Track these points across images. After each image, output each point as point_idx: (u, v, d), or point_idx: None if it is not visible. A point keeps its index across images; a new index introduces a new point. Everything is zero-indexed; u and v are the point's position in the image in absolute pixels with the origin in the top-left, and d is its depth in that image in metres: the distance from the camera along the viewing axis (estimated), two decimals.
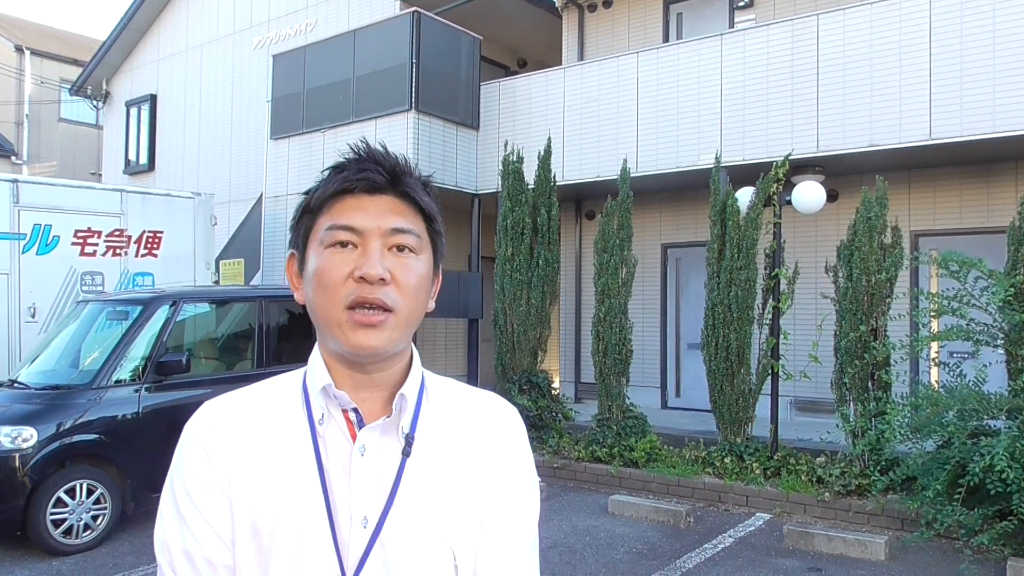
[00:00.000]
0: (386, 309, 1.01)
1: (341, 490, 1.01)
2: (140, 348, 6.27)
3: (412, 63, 10.42)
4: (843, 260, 6.78)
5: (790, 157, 7.62)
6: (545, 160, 8.87)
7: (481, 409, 1.13)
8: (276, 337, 7.43)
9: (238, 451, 1.05)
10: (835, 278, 6.87)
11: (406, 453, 1.04)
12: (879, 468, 6.22)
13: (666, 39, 10.98)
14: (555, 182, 8.95)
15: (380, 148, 1.09)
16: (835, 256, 6.93)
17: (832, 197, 8.46)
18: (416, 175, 1.09)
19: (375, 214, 1.03)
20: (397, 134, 10.54)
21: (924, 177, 8.96)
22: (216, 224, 11.13)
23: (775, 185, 7.37)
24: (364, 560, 1.00)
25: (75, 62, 19.73)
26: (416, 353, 1.12)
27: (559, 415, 8.67)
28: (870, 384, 6.58)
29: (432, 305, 1.11)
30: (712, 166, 7.92)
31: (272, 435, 1.05)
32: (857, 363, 6.53)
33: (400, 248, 1.04)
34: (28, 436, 5.52)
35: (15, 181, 9.22)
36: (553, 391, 8.89)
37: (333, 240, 1.03)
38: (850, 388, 6.63)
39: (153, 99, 15.87)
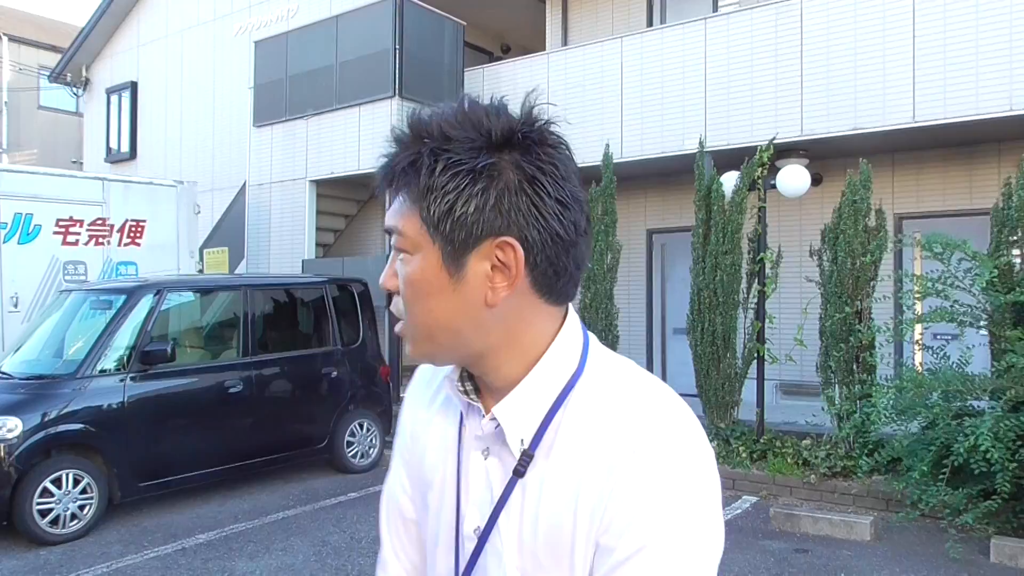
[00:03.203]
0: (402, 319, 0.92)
1: (466, 488, 0.96)
2: (125, 337, 6.23)
3: (395, 49, 10.35)
4: (828, 243, 6.81)
5: (775, 141, 7.63)
6: None
7: (625, 426, 0.86)
8: (261, 325, 7.39)
9: (419, 414, 1.06)
10: (820, 261, 6.90)
11: (518, 473, 0.89)
12: (865, 450, 6.27)
13: (650, 23, 10.95)
14: None
15: (402, 131, 0.89)
16: (820, 239, 6.96)
17: (816, 181, 8.48)
18: (418, 144, 0.86)
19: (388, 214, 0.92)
20: (381, 120, 10.47)
21: (908, 160, 9.01)
22: (200, 212, 11.05)
23: (760, 169, 7.39)
24: (469, 570, 0.95)
25: (54, 48, 19.46)
26: (553, 355, 0.91)
27: None
28: (855, 367, 6.63)
29: (496, 298, 0.86)
30: (697, 151, 7.93)
31: (442, 410, 1.03)
32: (842, 346, 6.57)
33: (399, 251, 0.90)
34: (13, 426, 5.48)
35: None
36: None
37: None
38: (835, 371, 6.67)
39: (134, 86, 15.69)
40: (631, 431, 0.85)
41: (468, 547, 0.94)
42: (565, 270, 0.89)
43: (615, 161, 8.50)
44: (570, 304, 0.95)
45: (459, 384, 0.95)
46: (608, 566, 0.83)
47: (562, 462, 0.87)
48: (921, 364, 6.42)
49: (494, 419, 0.91)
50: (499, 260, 0.85)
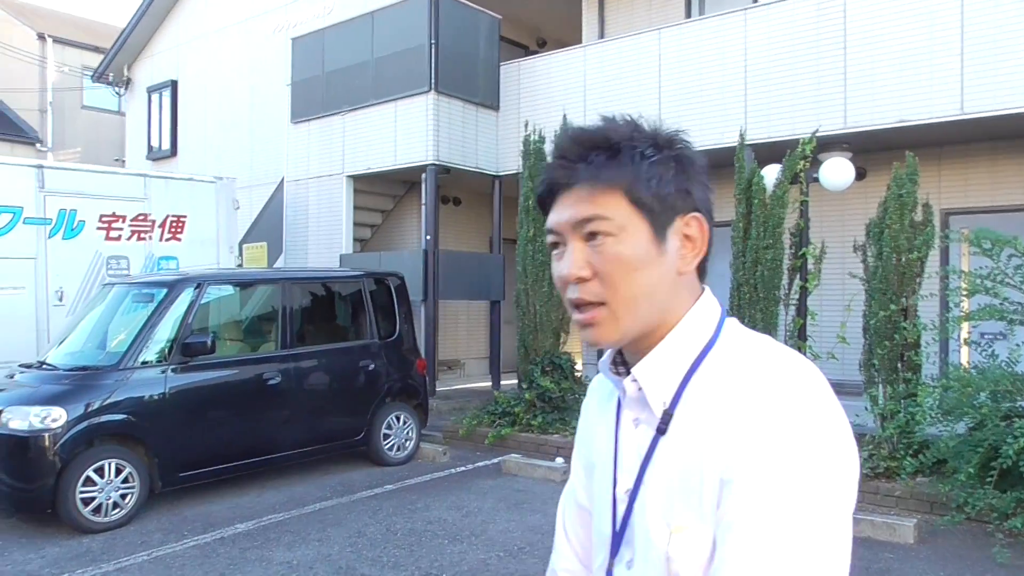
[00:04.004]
0: (597, 304, 1.00)
1: (621, 458, 1.08)
2: (166, 330, 6.31)
3: (431, 44, 10.35)
4: (872, 238, 6.66)
5: (817, 134, 7.48)
6: None
7: (751, 385, 0.94)
8: (299, 318, 7.44)
9: (590, 415, 1.21)
10: (864, 257, 6.75)
11: (660, 431, 1.01)
12: (909, 451, 6.13)
13: (688, 15, 10.81)
14: None
15: (578, 130, 1.04)
16: (863, 235, 6.81)
17: (860, 175, 8.31)
18: (611, 144, 1.01)
19: (565, 208, 1.02)
20: (417, 116, 10.49)
21: (955, 154, 8.78)
22: (238, 208, 11.17)
23: (802, 162, 7.25)
24: (623, 530, 1.06)
25: (96, 49, 19.83)
26: (689, 323, 1.02)
27: (582, 397, 8.61)
28: (900, 365, 6.47)
29: (688, 267, 1.02)
30: (736, 144, 7.81)
31: (606, 403, 1.16)
32: (887, 344, 6.42)
33: (593, 236, 1.00)
34: (57, 416, 5.59)
35: (40, 167, 9.29)
36: (576, 373, 8.85)
37: (550, 244, 1.06)
38: (879, 369, 6.52)
39: (174, 85, 15.91)
40: (758, 381, 0.94)
41: (621, 509, 1.06)
42: (711, 245, 1.05)
43: None
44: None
45: (611, 367, 1.10)
46: (727, 501, 0.91)
47: (696, 414, 0.97)
48: (968, 363, 6.25)
49: (635, 380, 1.03)
50: (687, 234, 1.02)
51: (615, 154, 1.00)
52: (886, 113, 7.93)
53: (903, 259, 6.45)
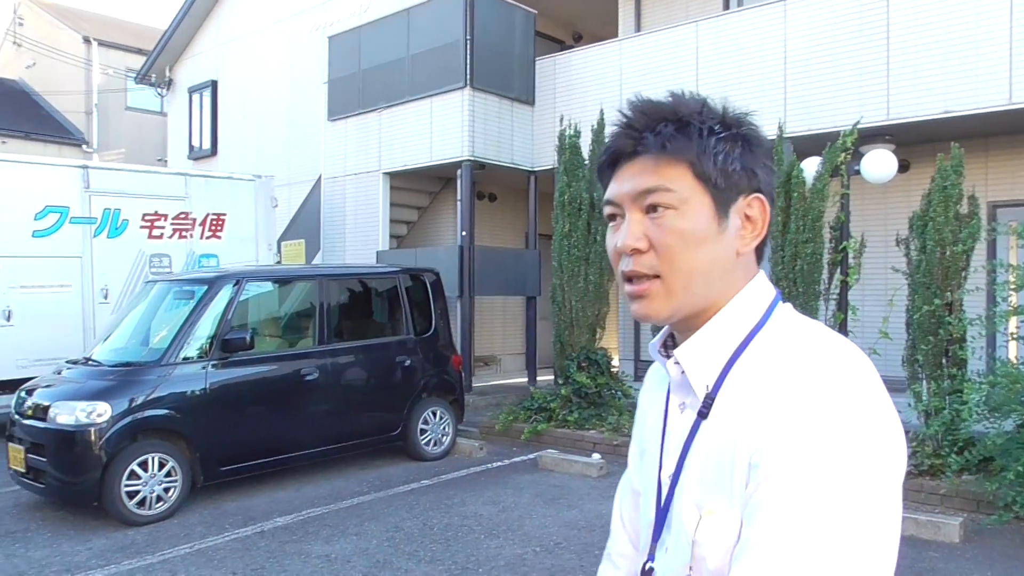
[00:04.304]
0: (651, 276, 0.99)
1: (667, 443, 1.08)
2: (206, 326, 6.41)
3: (466, 40, 10.37)
4: (916, 231, 6.51)
5: (859, 126, 7.33)
6: (599, 133, 8.72)
7: (791, 368, 0.91)
8: (337, 314, 7.51)
9: (644, 402, 1.22)
10: (907, 250, 6.61)
11: (701, 415, 0.99)
12: (954, 448, 5.99)
13: (726, 7, 10.67)
14: None
15: (646, 101, 1.02)
16: (906, 228, 6.67)
17: (903, 167, 8.13)
18: (679, 117, 0.99)
19: (627, 179, 1.01)
20: (452, 111, 10.51)
21: (1002, 145, 8.55)
22: (277, 206, 11.31)
23: (843, 155, 7.11)
24: (664, 515, 1.05)
25: (139, 51, 20.20)
26: (737, 305, 1.00)
27: (618, 392, 8.58)
28: (944, 361, 6.33)
29: (746, 247, 1.00)
30: (776, 136, 7.68)
31: (658, 390, 1.16)
32: (931, 339, 6.28)
33: (654, 208, 0.98)
34: (102, 411, 5.71)
35: (85, 167, 9.51)
36: (612, 369, 8.81)
37: (607, 216, 1.05)
38: (923, 365, 6.38)
39: (214, 85, 16.16)
40: (798, 364, 0.91)
41: (664, 494, 1.05)
42: (770, 230, 1.03)
43: None
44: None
45: (661, 350, 1.09)
46: (755, 481, 0.88)
47: (736, 398, 0.95)
48: (1016, 358, 6.09)
49: (678, 362, 1.01)
50: (748, 214, 1.00)
51: (683, 127, 0.99)
52: (931, 104, 7.75)
53: (948, 252, 6.30)
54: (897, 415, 0.90)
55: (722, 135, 0.99)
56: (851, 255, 7.10)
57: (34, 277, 8.77)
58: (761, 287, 1.02)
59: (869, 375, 0.90)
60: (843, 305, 7.15)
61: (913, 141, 8.52)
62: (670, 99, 1.02)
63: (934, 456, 6.17)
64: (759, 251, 1.03)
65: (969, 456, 5.63)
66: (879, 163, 6.96)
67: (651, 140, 0.99)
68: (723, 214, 0.98)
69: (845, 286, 7.15)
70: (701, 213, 0.97)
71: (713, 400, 0.97)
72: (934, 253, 6.33)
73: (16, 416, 6.12)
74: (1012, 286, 5.92)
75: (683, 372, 1.01)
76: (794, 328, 0.98)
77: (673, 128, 0.98)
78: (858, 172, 7.11)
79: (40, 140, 19.75)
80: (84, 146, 20.48)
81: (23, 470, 5.90)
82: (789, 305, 1.03)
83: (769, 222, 1.01)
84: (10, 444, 6.07)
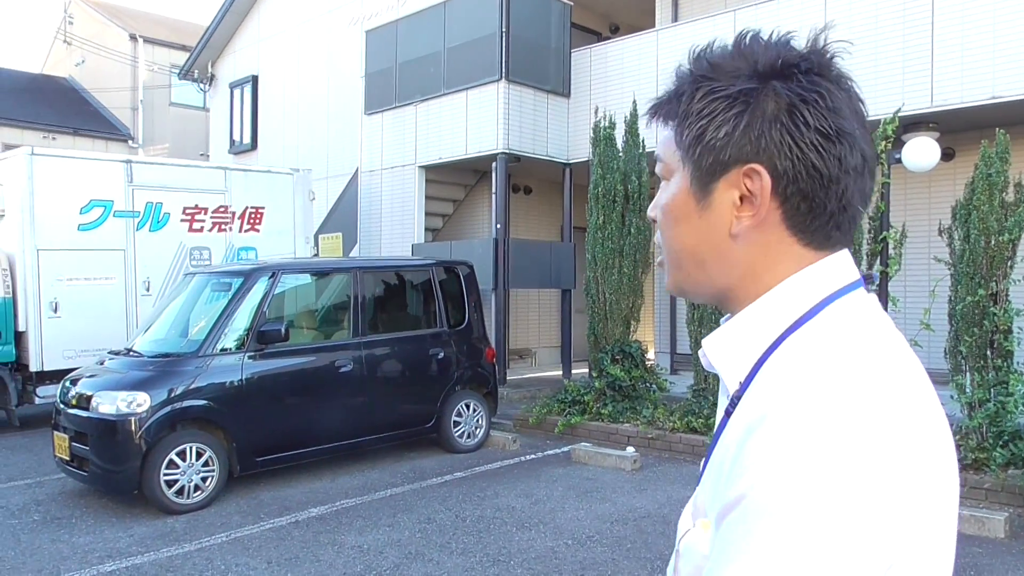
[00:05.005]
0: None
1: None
2: (243, 318, 6.50)
3: (502, 32, 10.34)
4: (959, 220, 6.34)
5: (900, 113, 7.15)
6: (632, 125, 8.64)
7: (793, 378, 0.77)
8: (371, 307, 7.57)
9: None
10: (950, 240, 6.43)
11: (727, 413, 0.86)
12: (999, 441, 5.83)
13: None
14: (644, 147, 8.72)
15: (681, 67, 0.89)
16: (950, 217, 6.49)
17: (948, 155, 7.93)
18: (687, 78, 0.87)
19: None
20: (488, 104, 10.51)
21: None
22: (314, 199, 11.42)
23: (884, 143, 6.94)
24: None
25: (183, 48, 20.57)
26: (776, 295, 0.84)
27: (653, 386, 8.52)
28: (989, 352, 6.16)
29: (738, 228, 0.84)
30: None
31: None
32: (975, 330, 6.12)
33: (661, 179, 0.92)
34: (142, 401, 5.83)
35: (129, 162, 9.71)
36: (647, 362, 8.74)
37: None
38: (966, 357, 6.22)
39: (255, 80, 16.37)
40: (803, 374, 0.76)
41: None
42: (823, 208, 0.82)
43: None
44: (842, 252, 0.86)
45: None
46: (715, 510, 0.76)
47: (746, 403, 0.81)
48: None
49: (704, 354, 0.90)
50: (747, 189, 0.82)
51: (680, 88, 0.88)
52: (977, 90, 7.53)
53: (992, 242, 6.12)
54: (910, 465, 0.72)
55: (719, 94, 0.83)
56: (891, 245, 6.93)
57: (80, 270, 8.99)
58: (816, 277, 0.84)
59: (867, 400, 0.73)
60: (883, 296, 6.98)
61: (958, 128, 8.29)
62: (697, 55, 0.89)
63: (978, 450, 6.01)
64: (804, 224, 0.83)
65: (1015, 449, 5.48)
66: (921, 151, 6.78)
67: (652, 108, 0.92)
68: (700, 188, 0.85)
69: (885, 277, 6.99)
70: (679, 187, 0.88)
71: (739, 398, 0.84)
72: (978, 242, 6.15)
73: (61, 405, 6.29)
74: None
75: (711, 364, 0.90)
76: (837, 328, 0.80)
77: (673, 92, 0.89)
78: (899, 161, 6.94)
79: (88, 136, 20.25)
80: (130, 141, 20.95)
81: (68, 458, 6.06)
82: (860, 298, 0.84)
83: (767, 196, 0.81)
84: (55, 433, 6.24)
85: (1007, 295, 6.21)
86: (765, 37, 0.86)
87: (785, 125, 0.80)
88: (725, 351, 0.87)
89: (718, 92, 0.83)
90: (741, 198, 0.83)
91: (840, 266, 0.85)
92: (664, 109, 0.90)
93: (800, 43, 0.86)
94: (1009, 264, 6.18)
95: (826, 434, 0.70)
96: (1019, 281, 6.20)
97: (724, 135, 0.82)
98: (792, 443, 0.70)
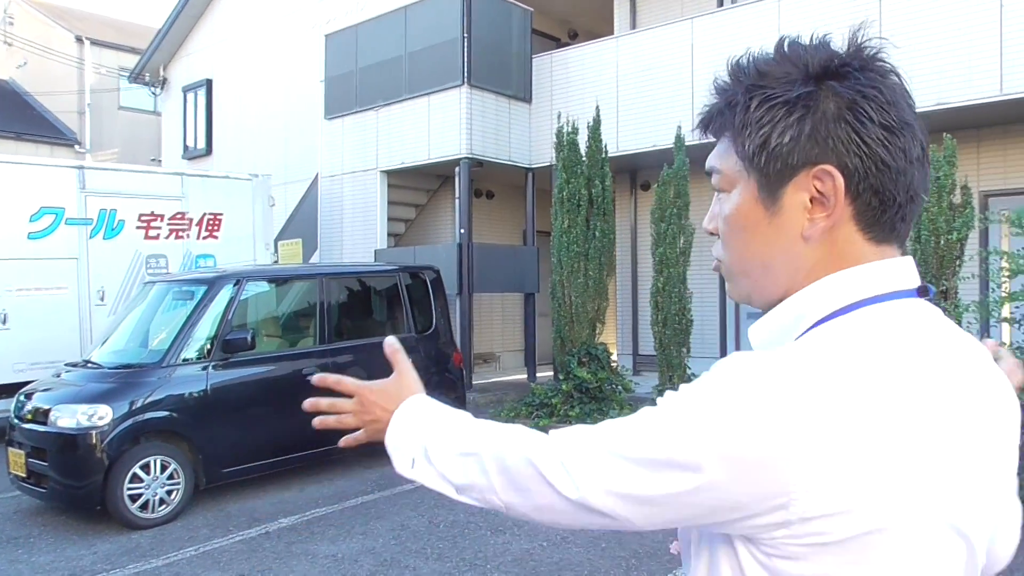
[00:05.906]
0: (721, 259, 0.95)
1: None
2: (206, 327, 6.40)
3: (464, 37, 10.36)
4: None
5: None
6: (595, 130, 8.75)
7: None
8: (337, 313, 7.51)
9: None
10: None
11: None
12: None
13: (720, 3, 10.69)
14: (607, 152, 8.84)
15: (723, 79, 0.90)
16: None
17: None
18: (738, 89, 0.87)
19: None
20: (450, 109, 10.51)
21: (994, 135, 8.60)
22: (274, 205, 11.30)
23: None
24: None
25: (133, 50, 20.14)
26: (807, 295, 0.86)
27: (619, 387, 8.62)
28: None
29: (812, 231, 0.84)
30: None
31: None
32: None
33: (718, 191, 0.93)
34: (103, 414, 5.68)
35: (81, 168, 9.48)
36: (612, 363, 8.84)
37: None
38: None
39: (209, 84, 16.12)
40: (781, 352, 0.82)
41: None
42: (893, 200, 0.84)
43: (687, 144, 8.36)
44: (906, 259, 0.87)
45: None
46: None
47: None
48: (1010, 342, 6.14)
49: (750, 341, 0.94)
50: (817, 190, 0.83)
51: (732, 99, 0.88)
52: (924, 95, 7.77)
53: (942, 241, 6.35)
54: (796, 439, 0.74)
55: (776, 100, 0.84)
56: None
57: (30, 280, 8.73)
58: (864, 275, 0.84)
59: (793, 394, 0.75)
60: None
61: None
62: (736, 64, 0.90)
63: None
64: (875, 218, 0.84)
65: None
66: None
67: (703, 122, 0.93)
68: (770, 195, 0.86)
69: None
70: (744, 197, 0.88)
71: None
72: (929, 243, 6.38)
73: (16, 420, 6.09)
74: (1006, 273, 5.96)
75: None
76: (842, 336, 0.81)
77: (724, 103, 0.89)
78: None
79: (32, 141, 19.67)
80: (77, 146, 20.40)
81: (24, 475, 5.87)
82: (906, 305, 0.84)
83: (841, 195, 0.82)
84: (10, 449, 6.04)
85: (956, 292, 6.44)
86: (805, 40, 0.88)
87: (850, 123, 0.82)
88: (762, 338, 0.90)
89: (775, 98, 0.84)
90: (811, 200, 0.84)
91: (896, 270, 0.86)
92: (717, 122, 0.90)
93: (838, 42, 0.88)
94: (958, 263, 6.42)
95: (750, 377, 0.78)
96: (967, 279, 6.44)
97: (789, 140, 0.83)
98: (716, 374, 0.80)
